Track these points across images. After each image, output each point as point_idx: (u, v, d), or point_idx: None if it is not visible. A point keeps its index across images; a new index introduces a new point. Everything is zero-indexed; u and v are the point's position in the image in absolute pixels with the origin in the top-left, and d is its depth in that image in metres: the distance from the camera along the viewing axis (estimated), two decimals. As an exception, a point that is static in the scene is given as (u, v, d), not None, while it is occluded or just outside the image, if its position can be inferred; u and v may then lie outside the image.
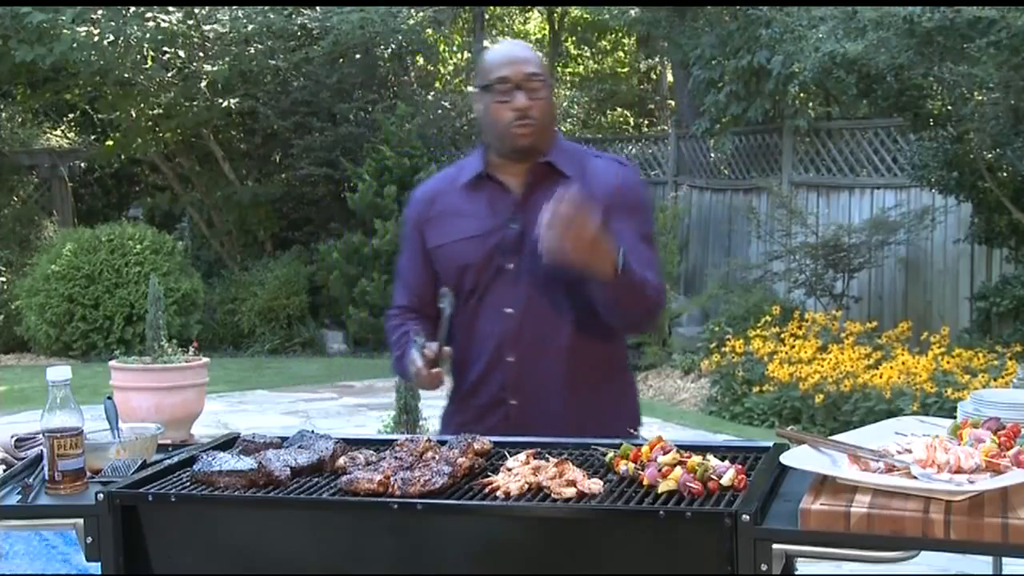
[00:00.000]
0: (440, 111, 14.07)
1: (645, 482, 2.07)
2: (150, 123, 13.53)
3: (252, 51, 12.71)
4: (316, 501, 2.09)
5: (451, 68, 17.56)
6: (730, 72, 11.13)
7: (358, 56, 13.65)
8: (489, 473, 2.21)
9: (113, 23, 11.70)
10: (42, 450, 2.23)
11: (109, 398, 2.57)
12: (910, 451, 1.99)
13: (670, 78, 17.59)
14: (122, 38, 11.74)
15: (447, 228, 2.72)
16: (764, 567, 1.88)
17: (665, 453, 2.14)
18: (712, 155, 12.61)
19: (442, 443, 2.32)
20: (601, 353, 2.71)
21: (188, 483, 2.19)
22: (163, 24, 12.00)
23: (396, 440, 2.38)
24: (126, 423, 2.56)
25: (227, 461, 2.18)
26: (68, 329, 11.76)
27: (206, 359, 7.97)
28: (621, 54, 20.09)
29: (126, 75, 12.40)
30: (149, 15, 11.99)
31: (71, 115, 15.75)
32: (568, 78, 19.70)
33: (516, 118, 2.60)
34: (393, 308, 2.92)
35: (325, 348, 12.53)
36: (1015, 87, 7.70)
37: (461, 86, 17.10)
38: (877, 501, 1.87)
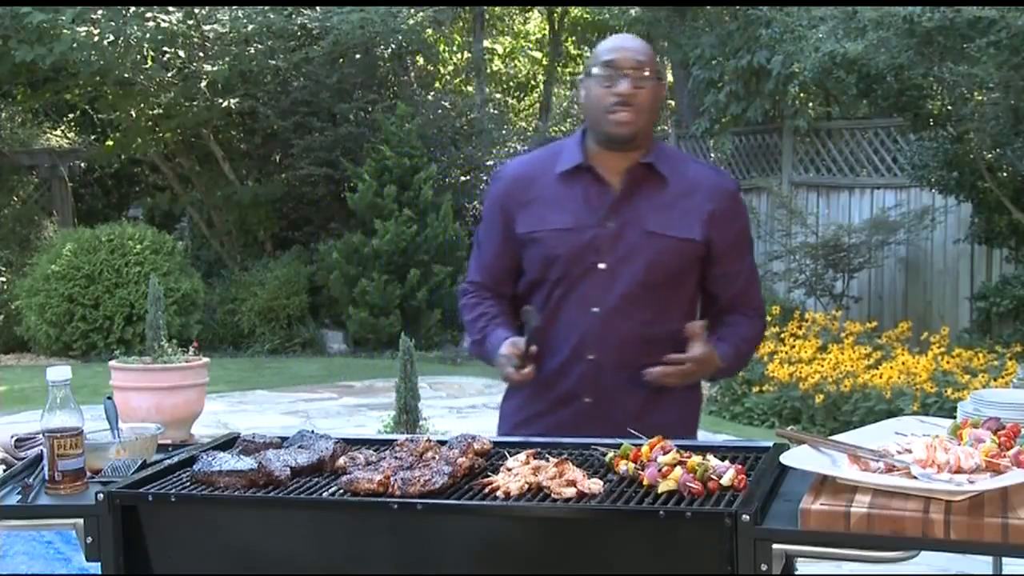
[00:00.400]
0: (440, 111, 14.07)
1: (645, 482, 2.07)
2: (150, 123, 13.53)
3: (252, 51, 12.71)
4: (316, 501, 2.09)
5: (451, 68, 17.56)
6: (730, 72, 11.13)
7: (358, 56, 13.64)
8: (489, 473, 2.20)
9: (113, 23, 11.69)
10: (42, 450, 2.23)
11: (109, 398, 2.57)
12: (910, 451, 1.99)
13: (670, 78, 17.58)
14: (122, 38, 11.74)
15: (540, 216, 2.66)
16: (764, 567, 1.88)
17: (665, 453, 2.14)
18: (712, 155, 12.61)
19: (442, 443, 2.32)
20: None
21: (188, 483, 2.19)
22: (163, 24, 11.99)
23: (396, 440, 2.38)
24: (126, 423, 2.56)
25: (227, 461, 2.18)
26: (68, 329, 11.76)
27: (206, 359, 7.97)
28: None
29: (126, 75, 12.40)
30: (149, 15, 11.99)
31: (71, 115, 15.74)
32: (568, 78, 19.70)
33: (617, 102, 2.57)
34: (467, 283, 2.85)
35: (325, 348, 12.53)
36: (1015, 87, 7.70)
37: (461, 86, 17.11)
38: (877, 501, 1.87)
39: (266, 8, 12.59)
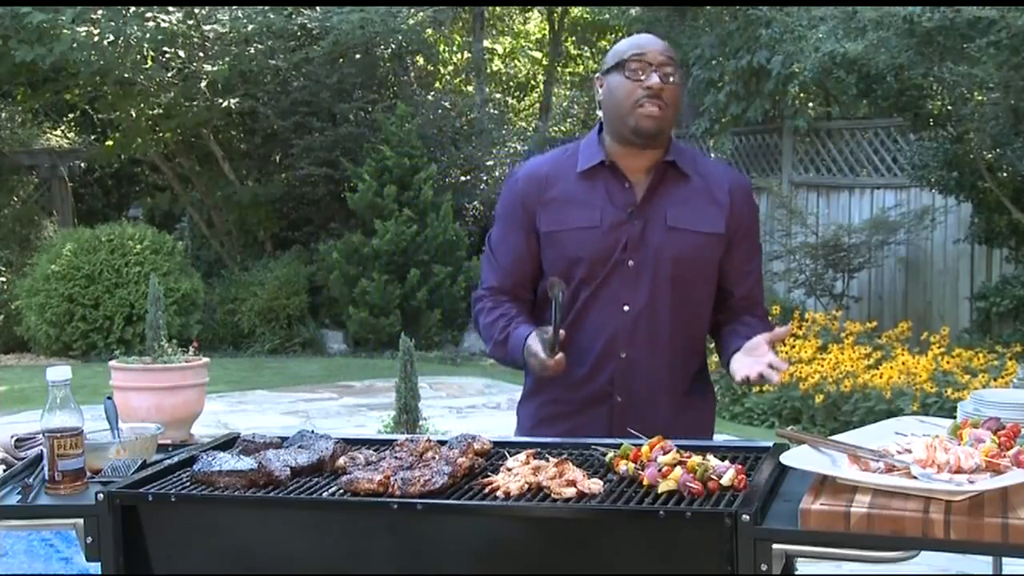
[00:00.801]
0: (440, 111, 14.07)
1: (645, 482, 2.07)
2: (150, 123, 13.53)
3: (252, 51, 12.71)
4: (316, 501, 2.09)
5: (451, 68, 17.55)
6: (730, 72, 11.14)
7: (358, 56, 13.64)
8: (489, 473, 2.20)
9: (113, 23, 11.69)
10: (42, 450, 2.23)
11: (109, 398, 2.57)
12: (910, 451, 1.99)
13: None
14: (122, 38, 11.73)
15: (564, 214, 2.62)
16: (764, 567, 1.88)
17: (665, 453, 2.14)
18: (712, 155, 12.61)
19: (442, 443, 2.32)
20: (699, 356, 2.73)
21: (188, 483, 2.19)
22: (163, 24, 11.99)
23: (396, 440, 2.38)
24: (126, 423, 2.56)
25: (227, 461, 2.18)
26: (68, 329, 11.76)
27: (206, 359, 7.97)
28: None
29: (126, 75, 12.40)
30: (149, 15, 11.99)
31: (71, 115, 15.74)
32: (568, 78, 19.70)
33: (647, 95, 2.53)
34: (483, 289, 2.78)
35: (325, 348, 12.53)
36: (1015, 87, 7.70)
37: (461, 86, 17.11)
38: (877, 501, 1.87)
39: (266, 8, 12.59)
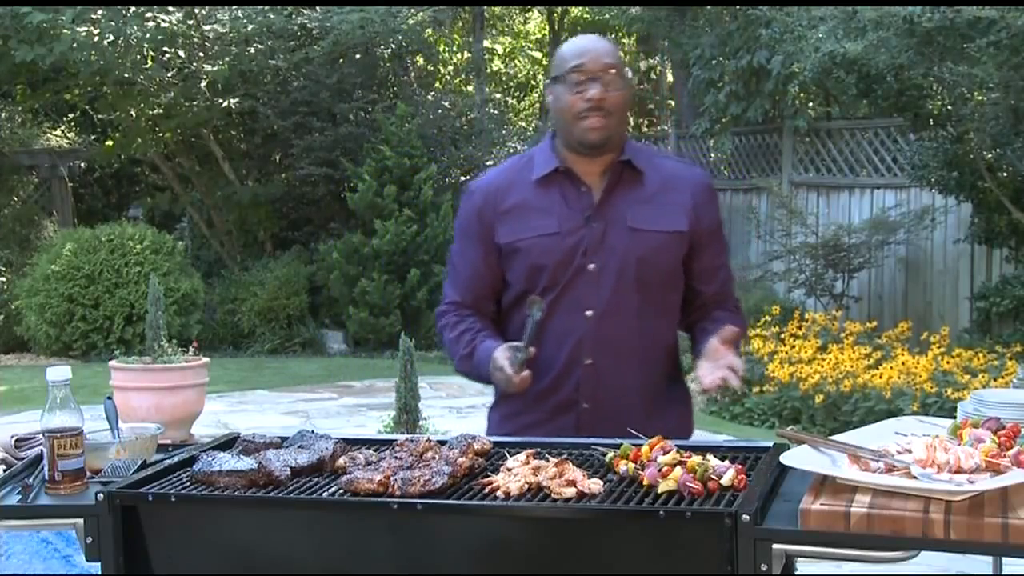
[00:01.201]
0: (440, 111, 14.07)
1: (645, 482, 2.07)
2: (150, 123, 13.53)
3: (252, 51, 12.71)
4: (316, 501, 2.09)
5: (451, 68, 17.55)
6: (730, 72, 11.14)
7: (358, 56, 13.64)
8: (489, 473, 2.20)
9: (113, 23, 11.69)
10: (42, 450, 2.23)
11: (109, 398, 2.57)
12: (910, 451, 1.99)
13: (670, 78, 17.59)
14: (122, 38, 11.73)
15: (522, 224, 2.61)
16: (764, 567, 1.88)
17: (665, 453, 2.14)
18: (712, 155, 12.61)
19: (442, 443, 2.32)
20: (670, 358, 2.71)
21: (188, 483, 2.19)
22: (163, 24, 11.99)
23: (396, 440, 2.38)
24: (126, 423, 2.56)
25: (227, 461, 2.18)
26: (68, 329, 11.76)
27: (206, 359, 7.97)
28: (621, 54, 20.05)
29: (126, 75, 12.39)
30: (149, 15, 11.98)
31: (71, 115, 15.73)
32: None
33: (589, 108, 2.52)
34: (445, 304, 2.80)
35: (325, 348, 12.53)
36: (1015, 87, 7.70)
37: (461, 86, 17.11)
38: (877, 501, 1.87)
39: (266, 8, 12.59)
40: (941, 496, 1.85)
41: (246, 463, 2.17)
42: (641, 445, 2.19)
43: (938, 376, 7.63)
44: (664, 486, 2.03)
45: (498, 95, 18.26)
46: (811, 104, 11.77)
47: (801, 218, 10.40)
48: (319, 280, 12.77)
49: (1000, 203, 8.73)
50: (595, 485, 2.05)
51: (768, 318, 9.28)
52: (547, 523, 2.02)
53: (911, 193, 10.05)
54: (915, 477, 1.91)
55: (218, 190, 14.05)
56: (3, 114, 14.90)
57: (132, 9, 11.93)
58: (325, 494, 2.11)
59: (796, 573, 2.21)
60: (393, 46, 13.89)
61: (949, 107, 8.79)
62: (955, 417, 2.36)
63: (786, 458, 2.05)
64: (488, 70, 17.83)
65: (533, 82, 19.83)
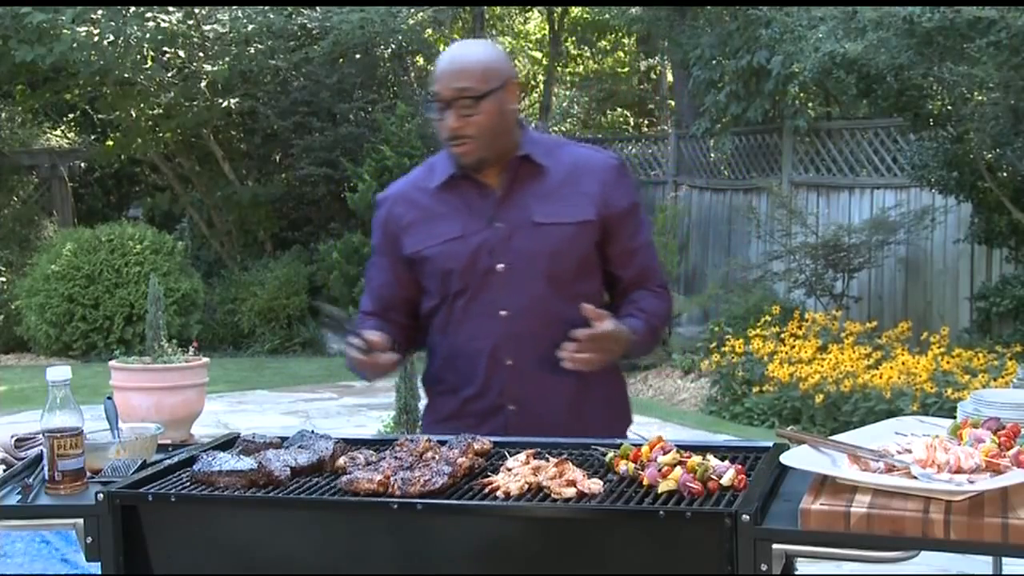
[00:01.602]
0: (440, 111, 14.06)
1: (645, 482, 2.07)
2: (150, 123, 13.53)
3: (252, 51, 12.71)
4: (316, 501, 2.09)
5: (451, 68, 17.51)
6: (730, 72, 11.13)
7: (358, 56, 13.65)
8: (489, 473, 2.20)
9: (113, 23, 11.70)
10: (42, 450, 2.23)
11: (109, 398, 2.57)
12: (910, 451, 1.99)
13: (670, 78, 17.60)
14: (122, 38, 11.74)
15: (426, 232, 2.61)
16: (764, 567, 1.88)
17: (665, 453, 2.14)
18: (712, 155, 12.61)
19: (442, 443, 2.32)
20: None
21: (188, 483, 2.19)
22: (163, 24, 11.99)
23: (396, 440, 2.38)
24: (126, 423, 2.56)
25: (227, 461, 2.18)
26: (68, 329, 11.76)
27: (206, 359, 7.97)
28: (621, 54, 20.09)
29: (126, 75, 12.40)
30: (149, 15, 11.99)
31: (71, 115, 15.74)
32: (568, 78, 19.70)
33: (449, 137, 2.53)
34: (360, 313, 2.79)
35: (325, 348, 12.53)
36: (1015, 87, 7.70)
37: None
38: (877, 501, 1.87)
39: (266, 8, 12.59)
40: (941, 496, 1.85)
41: (246, 463, 2.17)
42: (641, 445, 2.19)
43: (938, 376, 7.63)
44: (664, 486, 2.03)
45: (498, 95, 18.23)
46: (811, 104, 11.76)
47: (801, 218, 10.39)
48: (319, 280, 12.77)
49: (1000, 203, 8.73)
50: (595, 485, 2.05)
51: (768, 318, 9.28)
52: (547, 523, 2.02)
53: (911, 193, 10.04)
54: (915, 477, 1.91)
55: (218, 190, 14.06)
56: (3, 114, 14.91)
57: (132, 9, 11.94)
58: (325, 494, 2.11)
59: (796, 573, 2.21)
60: (393, 46, 13.90)
61: (949, 107, 8.78)
62: (955, 417, 2.36)
63: (786, 458, 2.05)
64: (488, 70, 17.79)
65: (533, 82, 19.83)
